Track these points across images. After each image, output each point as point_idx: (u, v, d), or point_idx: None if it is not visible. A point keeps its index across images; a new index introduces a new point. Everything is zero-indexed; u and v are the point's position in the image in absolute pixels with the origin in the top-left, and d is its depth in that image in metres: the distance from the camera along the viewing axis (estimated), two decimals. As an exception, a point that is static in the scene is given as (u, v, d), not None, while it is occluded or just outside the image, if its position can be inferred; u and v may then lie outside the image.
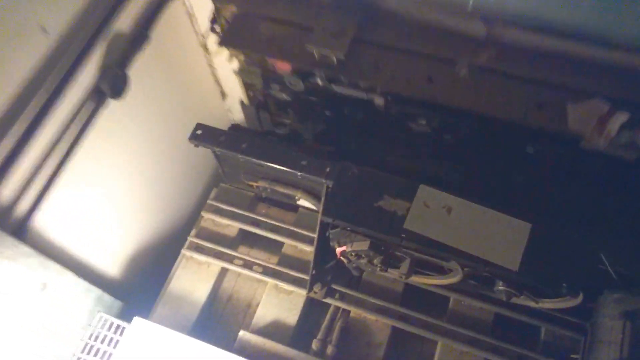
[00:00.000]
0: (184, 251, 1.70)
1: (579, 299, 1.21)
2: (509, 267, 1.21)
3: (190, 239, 1.72)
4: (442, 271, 1.41)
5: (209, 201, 1.80)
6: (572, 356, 1.42)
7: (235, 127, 1.60)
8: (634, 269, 1.19)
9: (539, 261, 1.21)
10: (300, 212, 1.76)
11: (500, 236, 1.25)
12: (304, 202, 1.62)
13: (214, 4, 1.45)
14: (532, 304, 1.35)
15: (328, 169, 1.41)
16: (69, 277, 1.39)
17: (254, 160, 1.46)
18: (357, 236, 1.37)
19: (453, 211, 1.29)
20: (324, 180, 1.40)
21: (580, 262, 1.21)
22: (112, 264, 1.64)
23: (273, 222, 1.71)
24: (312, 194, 1.55)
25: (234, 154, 1.47)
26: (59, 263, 1.35)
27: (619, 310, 1.12)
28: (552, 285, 1.21)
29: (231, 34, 1.46)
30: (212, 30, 1.50)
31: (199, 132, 1.50)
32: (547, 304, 1.34)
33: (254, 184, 1.63)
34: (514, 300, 1.34)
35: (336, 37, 1.34)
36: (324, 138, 1.65)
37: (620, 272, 1.18)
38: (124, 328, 1.51)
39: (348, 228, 1.34)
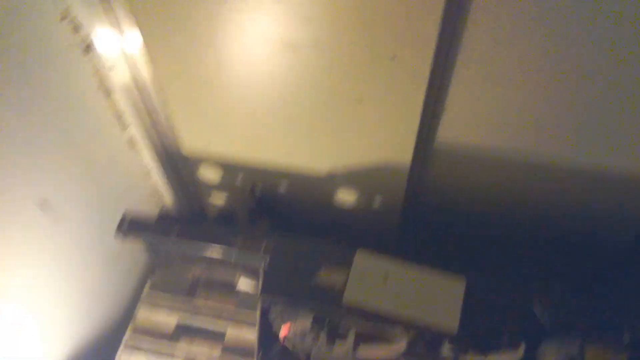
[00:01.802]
0: (120, 354, 1.59)
1: (520, 351, 1.23)
2: (449, 327, 1.22)
3: (125, 339, 1.62)
4: (390, 339, 1.40)
5: (143, 294, 1.72)
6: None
7: (164, 212, 1.57)
8: (566, 316, 1.23)
9: (478, 316, 1.23)
10: (241, 292, 1.71)
11: (437, 295, 1.27)
12: (243, 283, 1.59)
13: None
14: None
15: (264, 246, 1.39)
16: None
17: (187, 244, 1.43)
18: (299, 312, 1.35)
19: (390, 275, 1.30)
20: (259, 258, 1.38)
21: (516, 312, 1.24)
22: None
23: (213, 309, 1.66)
24: (251, 273, 1.53)
25: (165, 241, 1.44)
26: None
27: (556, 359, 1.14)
28: (492, 338, 1.22)
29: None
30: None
31: (125, 223, 1.46)
32: (494, 358, 1.34)
33: (190, 270, 1.59)
34: (462, 358, 1.34)
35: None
36: (257, 213, 1.65)
37: (553, 320, 1.21)
38: None
39: (288, 305, 1.32)
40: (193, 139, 1.50)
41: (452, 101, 1.21)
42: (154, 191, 1.88)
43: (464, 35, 1.05)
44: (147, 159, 1.77)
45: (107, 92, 1.45)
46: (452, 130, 1.29)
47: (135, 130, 1.63)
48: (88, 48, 1.37)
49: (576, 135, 1.22)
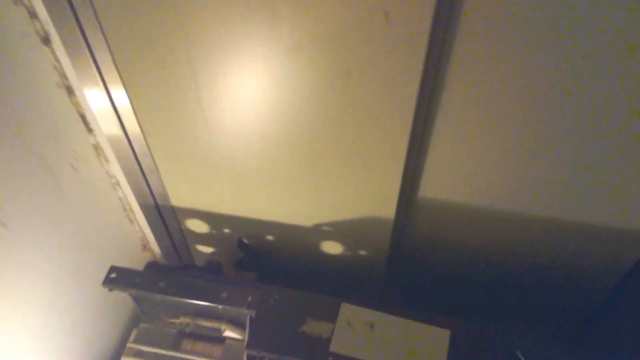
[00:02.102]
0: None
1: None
2: (436, 378, 1.23)
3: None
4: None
5: (128, 344, 1.70)
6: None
7: (151, 265, 1.58)
8: (549, 362, 1.26)
9: (463, 367, 1.25)
10: (227, 343, 1.70)
11: (423, 345, 1.28)
12: (230, 333, 1.58)
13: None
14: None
15: (250, 299, 1.40)
16: None
17: (173, 298, 1.43)
18: (286, 365, 1.35)
19: (376, 327, 1.32)
20: (246, 311, 1.39)
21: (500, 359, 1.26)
22: None
23: (199, 359, 1.64)
24: (237, 324, 1.52)
25: (151, 294, 1.44)
26: None
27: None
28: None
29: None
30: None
31: (112, 275, 1.46)
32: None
33: (176, 320, 1.58)
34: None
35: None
36: (244, 265, 1.66)
37: (537, 367, 1.24)
38: None
39: (275, 358, 1.32)
40: (179, 192, 1.53)
41: (432, 159, 1.26)
42: (141, 242, 1.89)
43: (442, 95, 1.11)
44: (134, 208, 1.79)
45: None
46: (433, 186, 1.33)
47: (120, 179, 1.66)
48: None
49: (552, 191, 1.27)
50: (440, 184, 1.32)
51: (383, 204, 1.36)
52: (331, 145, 1.25)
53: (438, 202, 1.37)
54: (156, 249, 1.83)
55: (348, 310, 1.35)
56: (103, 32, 1.13)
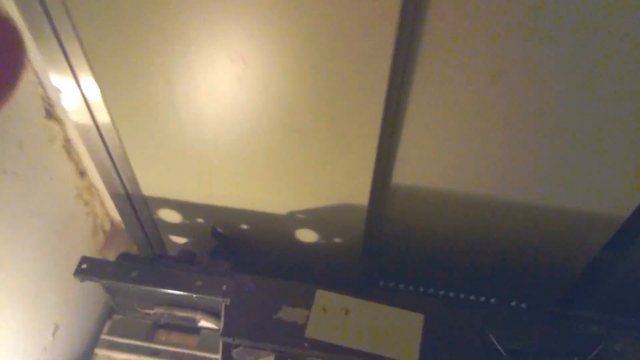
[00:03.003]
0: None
1: (478, 380, 1.27)
2: (409, 359, 1.25)
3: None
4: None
5: (102, 336, 1.69)
6: None
7: (124, 255, 1.55)
8: (521, 344, 1.29)
9: (436, 349, 1.27)
10: (202, 333, 1.70)
11: (397, 329, 1.30)
12: (204, 323, 1.57)
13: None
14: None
15: (224, 287, 1.39)
16: None
17: (146, 288, 1.41)
18: (261, 352, 1.35)
19: (350, 312, 1.33)
20: (221, 299, 1.38)
21: (473, 343, 1.28)
22: None
23: (174, 350, 1.63)
24: (212, 313, 1.52)
25: (124, 284, 1.42)
26: None
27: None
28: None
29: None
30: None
31: (84, 266, 1.44)
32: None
33: (150, 311, 1.56)
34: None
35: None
36: (218, 254, 1.65)
37: (508, 348, 1.26)
38: None
39: (251, 345, 1.32)
40: (151, 181, 1.51)
41: (405, 145, 1.26)
42: (113, 231, 1.86)
43: (414, 80, 1.11)
44: (105, 198, 1.76)
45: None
46: (407, 172, 1.34)
47: (91, 169, 1.63)
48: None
49: (523, 176, 1.29)
50: (413, 170, 1.32)
51: (357, 191, 1.36)
52: (303, 131, 1.24)
53: (412, 188, 1.38)
54: (129, 239, 1.80)
55: (323, 297, 1.36)
56: (71, 20, 1.11)
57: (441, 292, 1.55)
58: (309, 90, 1.14)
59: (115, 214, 1.83)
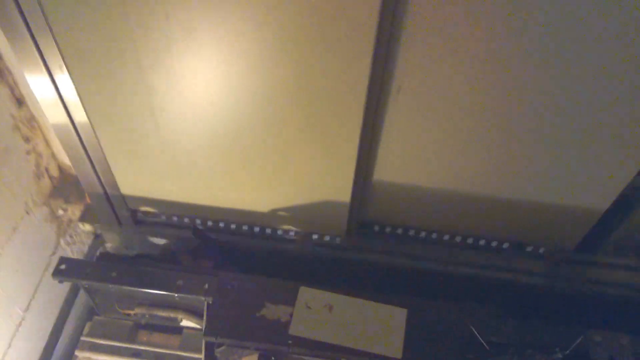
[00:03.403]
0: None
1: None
2: (393, 355, 1.25)
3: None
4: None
5: (82, 337, 1.65)
6: None
7: (103, 256, 1.53)
8: (503, 337, 1.30)
9: (419, 343, 1.27)
10: (185, 333, 1.67)
11: (381, 326, 1.30)
12: (187, 323, 1.56)
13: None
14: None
15: (206, 286, 1.38)
16: None
17: (126, 288, 1.39)
18: (245, 351, 1.34)
19: (334, 308, 1.32)
20: (203, 298, 1.37)
21: (456, 337, 1.29)
22: None
23: (156, 350, 1.61)
24: (194, 312, 1.50)
25: (103, 284, 1.40)
26: None
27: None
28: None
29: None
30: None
31: (62, 266, 1.41)
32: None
33: (131, 312, 1.54)
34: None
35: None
36: (200, 252, 1.63)
37: (491, 341, 1.27)
38: None
39: (234, 344, 1.31)
40: (129, 181, 1.48)
41: (386, 142, 1.27)
42: (62, 179, 1.73)
43: (394, 76, 1.11)
44: (52, 139, 1.63)
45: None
46: (388, 169, 1.34)
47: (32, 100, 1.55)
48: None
49: (503, 172, 1.30)
50: (394, 167, 1.33)
51: (339, 188, 1.36)
52: (283, 129, 1.24)
53: (393, 185, 1.38)
54: (108, 239, 1.77)
55: (306, 293, 1.35)
56: (46, 18, 1.08)
57: (423, 289, 1.55)
58: (290, 87, 1.13)
59: (65, 158, 1.63)
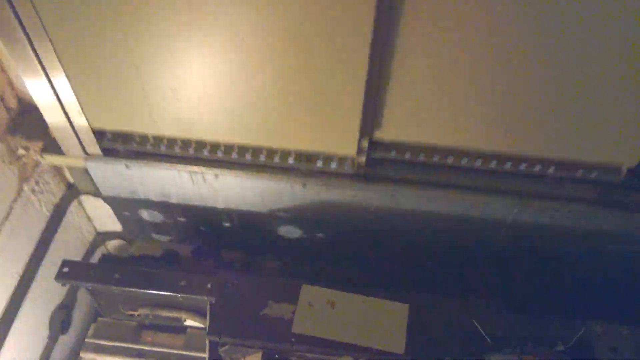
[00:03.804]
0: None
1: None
2: (396, 348, 1.26)
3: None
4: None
5: (87, 339, 1.66)
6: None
7: (105, 257, 1.54)
8: (505, 331, 1.30)
9: (422, 338, 1.28)
10: (189, 332, 1.68)
11: (383, 321, 1.31)
12: (190, 322, 1.57)
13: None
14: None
15: (209, 285, 1.39)
16: None
17: (130, 289, 1.40)
18: (248, 350, 1.35)
19: (336, 305, 1.33)
20: (205, 298, 1.38)
21: (458, 332, 1.30)
22: None
23: (161, 350, 1.62)
24: (198, 312, 1.51)
25: (107, 286, 1.41)
26: None
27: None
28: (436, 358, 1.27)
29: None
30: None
31: (65, 269, 1.42)
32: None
33: (135, 312, 1.55)
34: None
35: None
36: (201, 252, 1.64)
37: (493, 335, 1.28)
38: None
39: (237, 343, 1.32)
40: (95, 101, 1.30)
41: (392, 99, 1.18)
42: (22, 112, 1.47)
43: (399, 31, 1.05)
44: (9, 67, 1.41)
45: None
46: (393, 127, 1.25)
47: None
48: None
49: (510, 129, 1.22)
50: (400, 125, 1.24)
51: (344, 146, 1.29)
52: (287, 85, 1.16)
53: (398, 143, 1.29)
54: (112, 240, 1.78)
55: (308, 291, 1.36)
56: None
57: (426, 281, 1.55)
58: (293, 41, 1.07)
59: (25, 90, 1.36)
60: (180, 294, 1.38)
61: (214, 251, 1.60)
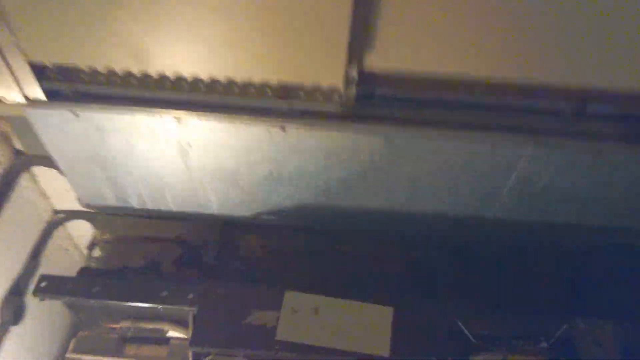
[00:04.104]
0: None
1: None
2: (381, 354, 1.25)
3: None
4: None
5: (68, 355, 1.64)
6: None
7: (84, 270, 1.51)
8: (489, 329, 1.31)
9: (407, 340, 1.28)
10: (172, 343, 1.66)
11: (368, 325, 1.30)
12: (173, 333, 1.54)
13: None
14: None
15: (191, 296, 1.37)
16: None
17: (109, 302, 1.38)
18: (232, 359, 1.33)
19: (320, 311, 1.32)
20: (188, 308, 1.36)
21: (442, 332, 1.30)
22: None
23: (143, 363, 1.60)
24: (180, 323, 1.49)
25: (86, 300, 1.38)
26: None
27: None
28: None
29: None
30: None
31: (43, 284, 1.39)
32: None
33: (116, 325, 1.53)
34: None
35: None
36: (184, 262, 1.62)
37: (477, 334, 1.28)
38: None
39: (221, 353, 1.30)
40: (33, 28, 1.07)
41: (385, 18, 1.01)
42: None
43: None
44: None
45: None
46: (383, 55, 1.08)
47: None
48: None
49: (507, 55, 1.06)
50: (391, 53, 1.07)
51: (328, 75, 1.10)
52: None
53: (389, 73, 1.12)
54: (90, 253, 1.74)
55: (292, 298, 1.35)
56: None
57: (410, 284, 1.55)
58: None
59: None
60: (161, 305, 1.36)
61: (196, 260, 1.58)
